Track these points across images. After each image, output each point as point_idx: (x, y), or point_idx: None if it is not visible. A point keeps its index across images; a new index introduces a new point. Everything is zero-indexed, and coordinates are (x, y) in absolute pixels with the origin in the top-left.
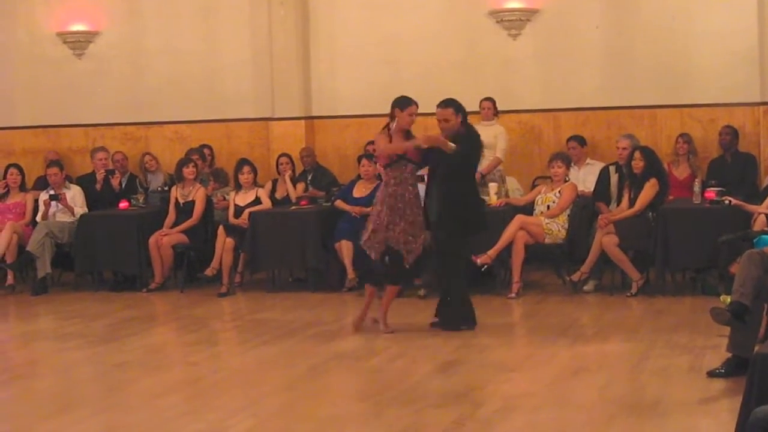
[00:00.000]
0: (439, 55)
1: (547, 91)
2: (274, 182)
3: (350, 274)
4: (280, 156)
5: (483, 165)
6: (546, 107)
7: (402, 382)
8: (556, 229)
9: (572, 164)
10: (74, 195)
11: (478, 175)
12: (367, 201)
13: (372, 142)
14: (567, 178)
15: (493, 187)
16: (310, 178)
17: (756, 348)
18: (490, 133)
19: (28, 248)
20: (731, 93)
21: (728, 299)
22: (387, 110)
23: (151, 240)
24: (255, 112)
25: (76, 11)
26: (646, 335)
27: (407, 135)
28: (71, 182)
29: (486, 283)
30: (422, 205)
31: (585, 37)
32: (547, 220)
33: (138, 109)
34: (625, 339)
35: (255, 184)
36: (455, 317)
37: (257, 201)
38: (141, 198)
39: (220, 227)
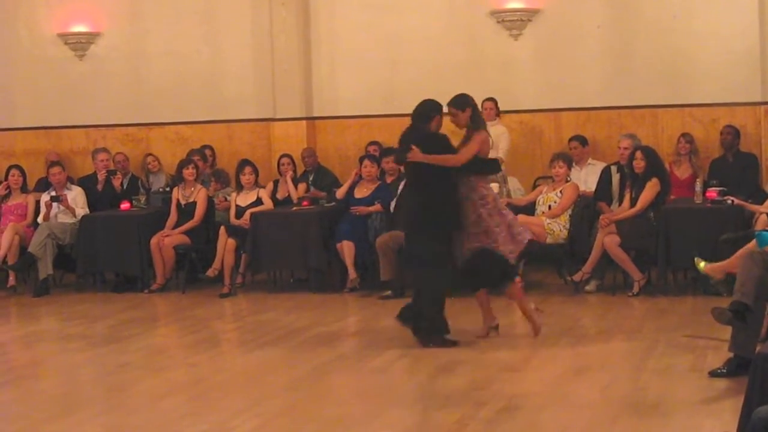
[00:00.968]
0: (440, 56)
1: (548, 91)
2: (276, 183)
3: (352, 274)
4: (281, 156)
5: None
6: (547, 107)
7: (405, 382)
8: (557, 229)
9: (574, 164)
10: (75, 196)
11: None
12: (369, 201)
13: (374, 143)
14: (568, 178)
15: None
16: (311, 178)
17: (758, 348)
18: (492, 133)
19: (30, 249)
20: (733, 93)
21: (701, 263)
22: (388, 111)
23: (153, 241)
24: (256, 113)
25: (77, 12)
26: (648, 335)
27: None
28: (72, 183)
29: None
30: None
31: (586, 37)
32: (548, 220)
33: (139, 110)
34: (627, 339)
35: (256, 184)
36: (427, 329)
37: (258, 202)
38: (142, 199)
39: (222, 228)
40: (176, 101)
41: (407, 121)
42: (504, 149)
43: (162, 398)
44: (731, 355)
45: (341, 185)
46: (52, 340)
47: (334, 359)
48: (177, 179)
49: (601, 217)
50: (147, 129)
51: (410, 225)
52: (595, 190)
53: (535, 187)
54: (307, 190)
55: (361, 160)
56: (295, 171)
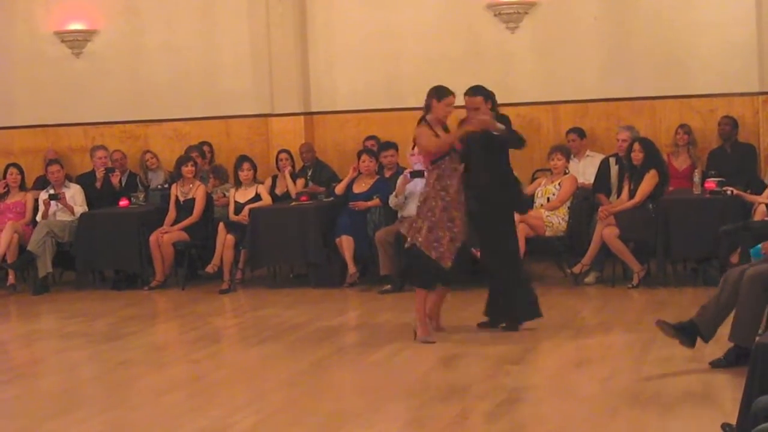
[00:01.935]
0: (437, 49)
1: (545, 84)
2: (274, 178)
3: (351, 269)
4: (279, 152)
5: None
6: (545, 100)
7: (405, 376)
8: (556, 221)
9: (572, 156)
10: (74, 194)
11: None
12: (367, 196)
13: (371, 138)
14: (567, 171)
15: None
16: (309, 173)
17: (757, 338)
18: None
19: (29, 248)
20: (730, 83)
21: None
22: (386, 105)
23: (152, 238)
24: (254, 109)
25: (74, 10)
26: (647, 326)
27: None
28: (71, 181)
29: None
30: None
31: (583, 28)
32: (547, 213)
33: (137, 107)
34: (627, 330)
35: (255, 180)
36: (513, 313)
37: (257, 197)
38: (141, 196)
39: (221, 224)
40: (174, 98)
41: (405, 115)
42: None
43: (163, 395)
44: (731, 345)
45: (340, 180)
46: (53, 338)
47: (334, 354)
48: (175, 176)
49: (600, 209)
50: (145, 126)
51: (489, 210)
52: (594, 182)
53: (533, 179)
54: (306, 185)
55: (359, 155)
56: (293, 166)
